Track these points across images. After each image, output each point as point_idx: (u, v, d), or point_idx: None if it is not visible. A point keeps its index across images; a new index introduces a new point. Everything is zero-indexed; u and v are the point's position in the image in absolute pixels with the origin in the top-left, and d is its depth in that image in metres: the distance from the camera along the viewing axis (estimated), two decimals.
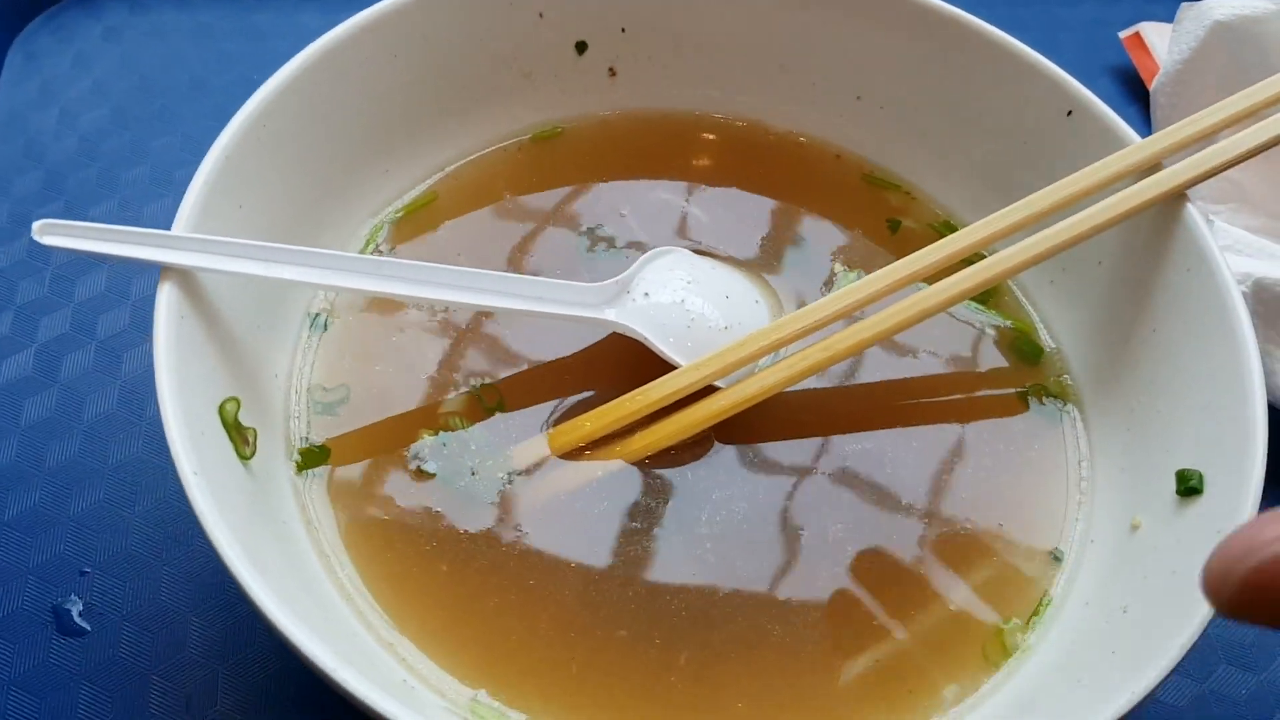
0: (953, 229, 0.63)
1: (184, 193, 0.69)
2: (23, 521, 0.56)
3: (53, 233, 0.44)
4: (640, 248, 0.61)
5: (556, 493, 0.52)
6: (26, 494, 0.57)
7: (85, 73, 0.75)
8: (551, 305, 0.53)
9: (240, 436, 0.47)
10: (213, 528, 0.40)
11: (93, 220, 0.67)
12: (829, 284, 0.61)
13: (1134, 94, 0.80)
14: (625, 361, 0.55)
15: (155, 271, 0.47)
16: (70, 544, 0.55)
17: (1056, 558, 0.52)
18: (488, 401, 0.54)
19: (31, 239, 0.66)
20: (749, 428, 0.54)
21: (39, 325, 0.63)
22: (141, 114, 0.73)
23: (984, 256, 0.54)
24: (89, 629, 0.53)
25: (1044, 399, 0.57)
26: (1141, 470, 0.51)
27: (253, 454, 0.47)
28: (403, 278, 0.50)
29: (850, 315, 0.53)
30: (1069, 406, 0.57)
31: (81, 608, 0.54)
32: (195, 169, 0.70)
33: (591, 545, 0.51)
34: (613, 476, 0.52)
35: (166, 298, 0.44)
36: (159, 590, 0.54)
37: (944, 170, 0.63)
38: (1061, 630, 0.48)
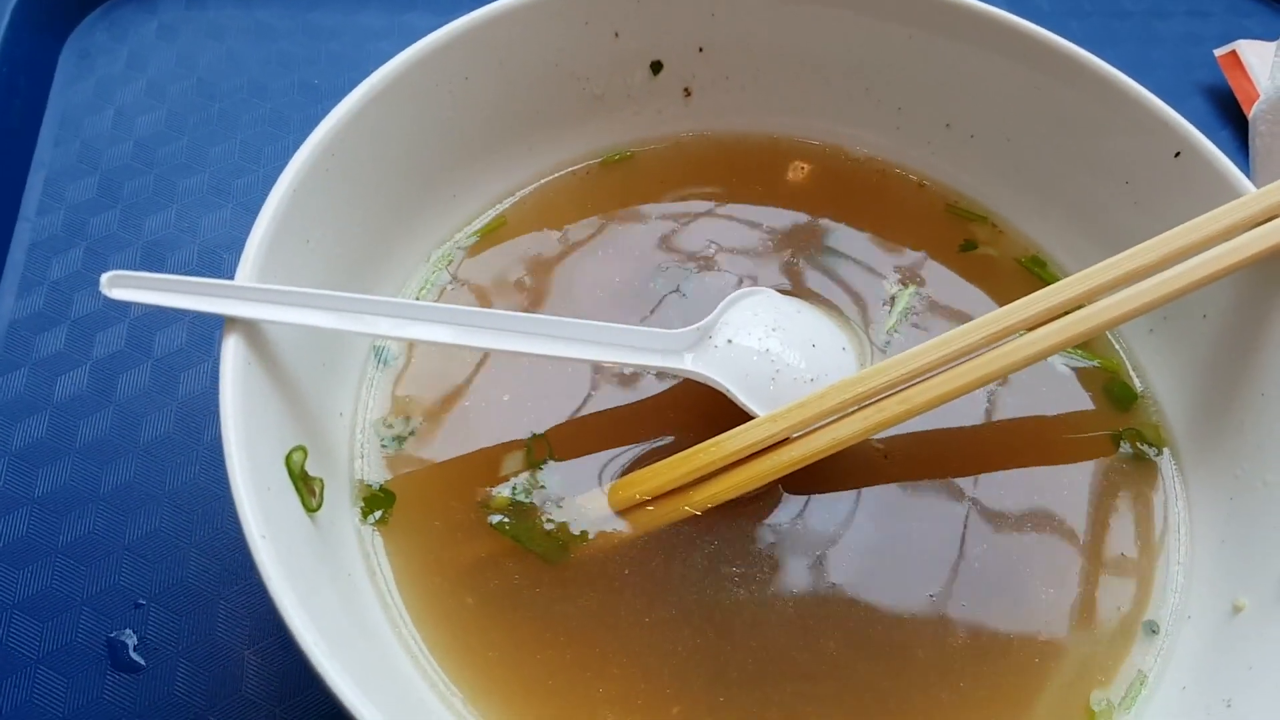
0: (1041, 264, 0.60)
1: (242, 203, 0.68)
2: (78, 549, 0.55)
3: (121, 285, 0.42)
4: (713, 278, 0.58)
5: (621, 548, 0.50)
6: (81, 519, 0.56)
7: (140, 72, 0.74)
8: (628, 354, 0.51)
9: (307, 488, 0.45)
10: (280, 595, 0.38)
11: (149, 231, 0.67)
12: (892, 303, 0.58)
13: (1228, 116, 0.76)
14: (700, 408, 0.53)
15: None
16: (125, 574, 0.54)
17: (1152, 630, 0.49)
18: (553, 448, 0.52)
19: (88, 250, 0.66)
20: (819, 475, 0.52)
21: (94, 341, 0.62)
22: (198, 119, 0.71)
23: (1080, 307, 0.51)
24: (144, 664, 0.52)
25: (1138, 444, 0.54)
26: (1245, 546, 0.48)
27: (319, 506, 0.45)
28: (473, 325, 0.48)
29: (940, 368, 0.51)
30: (1165, 454, 0.54)
31: (136, 642, 0.53)
32: (253, 178, 0.69)
33: (655, 604, 0.48)
34: (679, 530, 0.50)
35: (233, 348, 0.42)
36: (215, 625, 0.53)
37: (1037, 205, 0.60)
38: (1156, 715, 0.46)
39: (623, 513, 0.50)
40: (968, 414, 0.55)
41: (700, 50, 0.60)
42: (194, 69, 0.74)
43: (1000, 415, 0.56)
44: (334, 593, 0.44)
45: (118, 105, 0.72)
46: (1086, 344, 0.58)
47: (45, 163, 0.69)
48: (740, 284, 0.58)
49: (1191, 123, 0.54)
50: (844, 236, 0.61)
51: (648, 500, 0.50)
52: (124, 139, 0.70)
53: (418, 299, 0.56)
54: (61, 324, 0.62)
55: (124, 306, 0.63)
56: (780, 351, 0.53)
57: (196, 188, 0.68)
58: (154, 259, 0.65)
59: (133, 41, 0.75)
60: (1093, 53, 0.56)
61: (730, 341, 0.53)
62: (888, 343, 0.57)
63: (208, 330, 0.62)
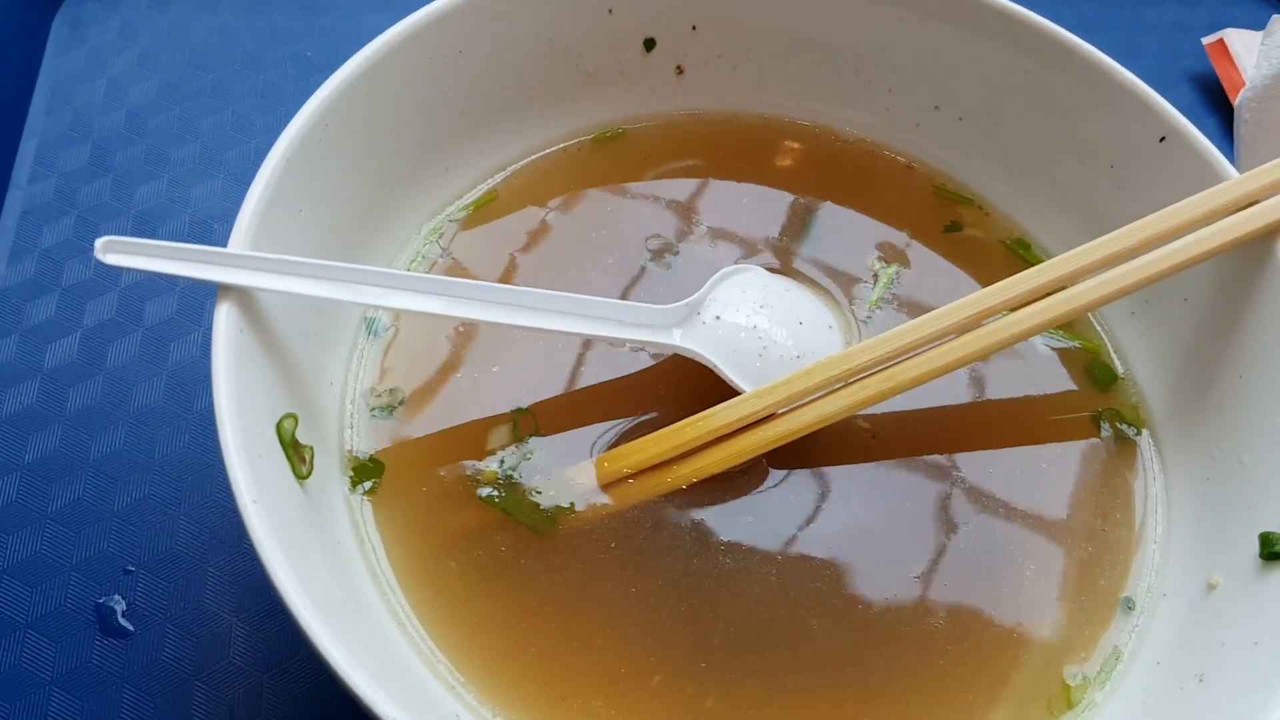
0: (1025, 246, 0.61)
1: (233, 174, 0.68)
2: (67, 515, 0.55)
3: (115, 250, 0.42)
4: (702, 255, 0.59)
5: (608, 520, 0.50)
6: (71, 486, 0.56)
7: (132, 42, 0.73)
8: (617, 329, 0.51)
9: (298, 455, 0.45)
10: (270, 560, 0.38)
11: (140, 201, 0.67)
12: (875, 281, 0.59)
13: (1215, 104, 0.77)
14: (685, 382, 0.53)
15: None
16: (114, 541, 0.55)
17: (1129, 606, 0.50)
18: (540, 421, 0.52)
19: (79, 218, 0.66)
20: (804, 452, 0.53)
21: (85, 309, 0.62)
22: (191, 89, 0.71)
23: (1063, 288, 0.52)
24: (132, 630, 0.52)
25: (1118, 424, 0.55)
26: (1221, 524, 0.49)
27: (309, 473, 0.46)
28: (463, 297, 0.48)
29: (925, 347, 0.51)
30: (1144, 435, 0.55)
31: (125, 608, 0.53)
32: (245, 149, 0.69)
33: (640, 575, 0.49)
34: (665, 504, 0.51)
35: (225, 315, 0.43)
36: (203, 592, 0.54)
37: (1022, 189, 0.61)
38: (1132, 690, 0.47)
39: (609, 486, 0.51)
40: (952, 394, 0.56)
41: (693, 29, 0.61)
42: (187, 39, 0.74)
43: (984, 396, 0.56)
44: (323, 560, 0.44)
45: (110, 74, 0.71)
46: (1068, 325, 0.59)
47: (37, 131, 0.69)
48: (729, 261, 0.58)
49: (1178, 109, 0.54)
50: (832, 216, 0.62)
51: (634, 474, 0.51)
52: (116, 108, 0.70)
53: (409, 271, 0.57)
54: (52, 292, 0.62)
55: (115, 275, 0.63)
56: (768, 328, 0.53)
57: (188, 158, 0.68)
58: (145, 228, 0.65)
59: (125, 11, 0.75)
60: (1083, 38, 0.56)
61: (718, 318, 0.53)
62: (869, 318, 0.58)
63: (198, 300, 0.62)
